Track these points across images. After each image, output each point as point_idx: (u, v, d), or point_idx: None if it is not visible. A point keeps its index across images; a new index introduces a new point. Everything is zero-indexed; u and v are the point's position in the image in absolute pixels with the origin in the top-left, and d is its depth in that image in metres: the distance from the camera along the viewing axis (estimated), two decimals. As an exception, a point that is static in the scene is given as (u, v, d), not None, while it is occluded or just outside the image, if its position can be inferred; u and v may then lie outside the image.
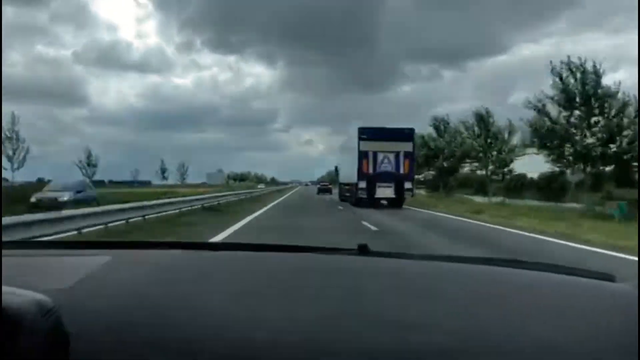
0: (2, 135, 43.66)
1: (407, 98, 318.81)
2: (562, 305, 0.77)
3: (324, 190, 52.76)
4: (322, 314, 0.72)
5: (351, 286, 0.84)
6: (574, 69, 22.09)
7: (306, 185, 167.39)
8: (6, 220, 6.91)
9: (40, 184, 26.69)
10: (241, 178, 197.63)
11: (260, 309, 0.73)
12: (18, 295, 0.59)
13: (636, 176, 23.41)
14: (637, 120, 21.01)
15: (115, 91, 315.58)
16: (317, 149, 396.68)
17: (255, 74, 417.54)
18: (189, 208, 18.15)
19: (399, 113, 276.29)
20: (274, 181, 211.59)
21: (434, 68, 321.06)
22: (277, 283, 0.85)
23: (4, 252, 0.99)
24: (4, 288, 0.58)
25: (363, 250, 1.10)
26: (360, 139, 23.17)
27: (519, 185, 47.05)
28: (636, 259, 7.00)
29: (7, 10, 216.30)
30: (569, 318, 0.72)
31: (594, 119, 21.92)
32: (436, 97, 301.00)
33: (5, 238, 5.59)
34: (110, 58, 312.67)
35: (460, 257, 1.12)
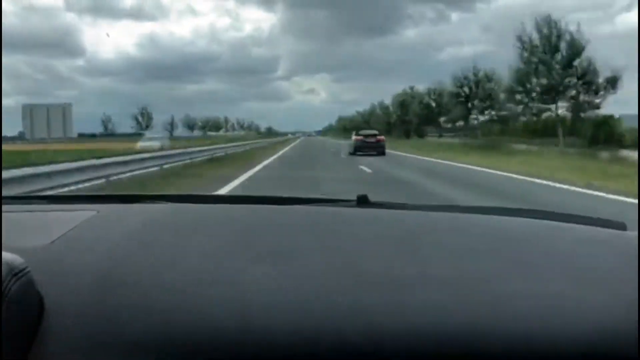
0: None
1: (412, 42, 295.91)
2: (575, 256, 0.75)
3: (369, 147, 25.67)
4: (317, 271, 0.69)
5: (349, 240, 0.81)
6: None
7: (309, 136, 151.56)
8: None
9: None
10: (214, 126, 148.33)
11: (251, 266, 0.69)
12: None
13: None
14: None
15: (110, 40, 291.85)
16: (320, 97, 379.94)
17: (254, 19, 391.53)
18: None
19: (403, 59, 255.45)
20: (270, 132, 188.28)
21: (440, 9, 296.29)
22: (269, 238, 0.82)
23: None
24: None
25: (362, 201, 1.03)
26: None
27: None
28: None
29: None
30: (580, 270, 0.70)
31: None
32: (442, 40, 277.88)
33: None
34: (103, 5, 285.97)
35: (468, 207, 1.07)
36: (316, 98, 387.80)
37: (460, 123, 54.32)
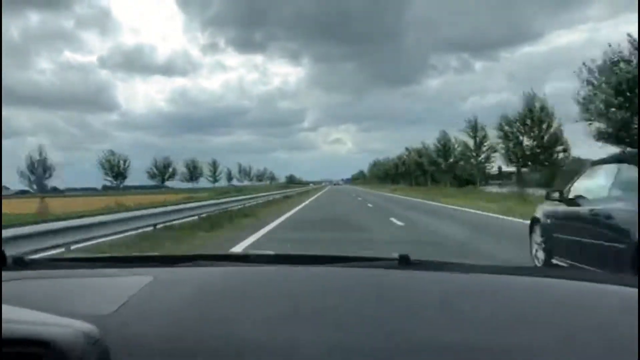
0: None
1: (437, 91, 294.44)
2: (615, 324, 0.75)
3: None
4: (362, 337, 0.71)
5: (392, 305, 0.81)
6: None
7: (335, 184, 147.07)
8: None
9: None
10: (192, 174, 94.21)
11: (299, 333, 0.72)
12: (65, 327, 0.58)
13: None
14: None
15: (142, 95, 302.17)
16: (346, 147, 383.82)
17: (281, 73, 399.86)
18: None
19: (428, 108, 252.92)
20: (292, 181, 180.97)
21: (464, 58, 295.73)
22: (315, 303, 0.84)
23: (40, 272, 1.05)
24: (49, 317, 0.60)
25: (404, 260, 1.03)
26: None
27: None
28: None
29: (32, 17, 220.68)
30: (618, 338, 0.70)
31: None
32: (467, 88, 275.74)
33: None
34: (136, 62, 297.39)
35: (508, 267, 1.06)
36: (343, 148, 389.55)
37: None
